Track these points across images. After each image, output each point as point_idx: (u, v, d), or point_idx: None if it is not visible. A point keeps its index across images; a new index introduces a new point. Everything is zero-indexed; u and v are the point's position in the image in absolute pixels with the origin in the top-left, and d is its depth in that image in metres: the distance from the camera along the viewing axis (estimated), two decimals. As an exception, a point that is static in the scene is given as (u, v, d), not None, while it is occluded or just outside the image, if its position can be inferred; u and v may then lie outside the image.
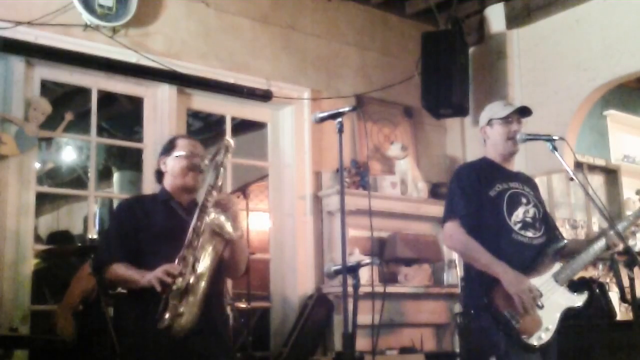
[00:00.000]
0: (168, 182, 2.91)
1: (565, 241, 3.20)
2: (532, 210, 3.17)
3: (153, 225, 2.79)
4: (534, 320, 2.93)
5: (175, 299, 2.54)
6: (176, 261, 2.58)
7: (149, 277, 2.57)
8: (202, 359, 2.69)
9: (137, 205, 2.91)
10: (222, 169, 2.74)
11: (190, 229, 2.63)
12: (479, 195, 3.11)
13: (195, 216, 2.66)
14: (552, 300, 2.99)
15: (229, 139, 2.83)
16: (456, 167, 3.41)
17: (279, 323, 4.88)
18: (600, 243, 3.11)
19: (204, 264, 2.61)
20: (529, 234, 3.12)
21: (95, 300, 3.55)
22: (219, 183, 2.72)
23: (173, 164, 2.88)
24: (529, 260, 3.06)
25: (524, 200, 3.18)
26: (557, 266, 3.09)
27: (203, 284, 2.59)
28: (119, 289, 3.61)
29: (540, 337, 2.93)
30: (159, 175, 2.95)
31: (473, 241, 3.03)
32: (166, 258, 2.62)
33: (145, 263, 2.70)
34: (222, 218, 2.64)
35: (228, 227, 2.63)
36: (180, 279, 2.55)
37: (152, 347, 2.62)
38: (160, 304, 2.54)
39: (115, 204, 6.85)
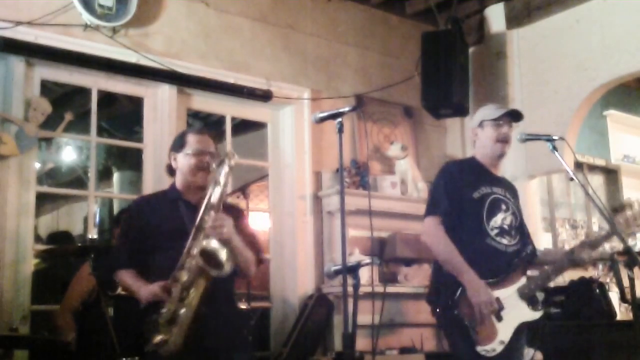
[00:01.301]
0: (179, 179, 2.92)
1: (537, 253, 3.25)
2: (509, 218, 3.19)
3: (159, 224, 2.81)
4: (491, 332, 2.96)
5: (163, 324, 2.58)
6: (170, 280, 2.61)
7: (142, 292, 2.67)
8: (221, 355, 2.74)
9: (147, 206, 2.94)
10: (221, 186, 2.69)
11: (185, 250, 2.63)
12: (462, 195, 3.13)
13: (190, 236, 2.64)
14: (511, 314, 3.02)
15: (231, 152, 2.77)
16: (443, 164, 3.42)
17: (279, 323, 4.88)
18: (568, 260, 3.13)
19: (193, 293, 2.60)
20: (504, 241, 3.14)
21: (95, 300, 3.55)
22: (215, 201, 2.68)
23: (183, 162, 2.88)
24: (501, 267, 3.09)
25: (503, 206, 3.19)
26: (522, 280, 3.12)
27: (190, 314, 2.60)
28: (119, 291, 3.65)
29: (494, 349, 2.96)
30: (171, 169, 2.96)
31: (450, 242, 3.06)
32: (170, 257, 2.65)
33: (151, 260, 2.76)
34: (216, 245, 2.56)
35: (223, 255, 2.56)
36: (169, 302, 2.59)
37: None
38: (151, 322, 2.60)
39: (115, 204, 6.89)
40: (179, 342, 2.57)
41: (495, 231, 3.13)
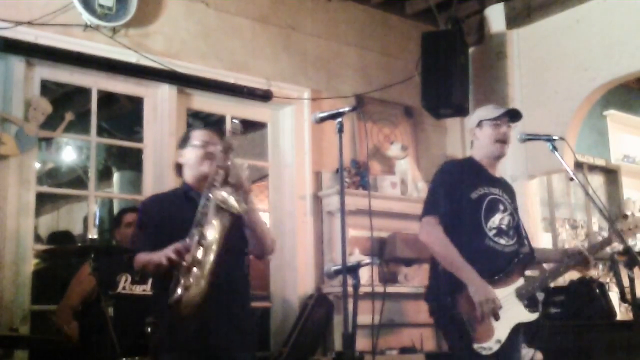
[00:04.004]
0: (187, 174, 2.95)
1: (534, 253, 3.24)
2: (507, 218, 3.19)
3: (175, 218, 2.82)
4: (488, 330, 2.97)
5: (184, 275, 2.58)
6: (187, 240, 2.62)
7: (160, 254, 2.63)
8: (223, 354, 2.73)
9: (161, 202, 2.97)
10: (231, 150, 2.76)
11: (199, 207, 2.67)
12: (460, 195, 3.13)
13: (202, 195, 2.69)
14: (508, 314, 3.02)
15: (235, 120, 2.85)
16: (442, 164, 3.42)
17: (279, 323, 4.88)
18: (567, 262, 3.14)
19: (210, 237, 2.62)
20: (502, 241, 3.14)
21: (95, 300, 3.55)
22: (228, 163, 2.73)
23: (189, 155, 2.93)
24: (499, 267, 3.09)
25: (501, 207, 3.19)
26: (520, 281, 3.12)
27: (211, 256, 2.61)
28: (119, 290, 3.64)
29: (491, 347, 2.96)
30: (179, 168, 3.00)
31: (448, 241, 3.05)
32: None
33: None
34: (225, 194, 2.63)
35: (232, 201, 2.62)
36: (189, 255, 2.59)
37: (175, 343, 2.67)
38: (172, 282, 2.59)
39: (115, 204, 6.88)
40: (202, 285, 2.57)
41: (493, 231, 3.13)
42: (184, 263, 2.57)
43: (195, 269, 2.57)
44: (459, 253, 3.03)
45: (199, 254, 2.59)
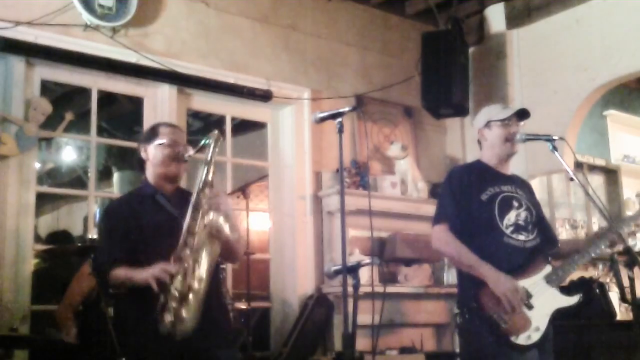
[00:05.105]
0: (150, 172, 2.87)
1: (558, 244, 3.23)
2: (523, 214, 3.17)
3: (143, 224, 2.76)
4: (523, 320, 2.93)
5: (175, 302, 2.52)
6: (171, 260, 2.57)
7: (146, 275, 2.55)
8: (203, 355, 2.69)
9: (124, 206, 2.88)
10: (212, 165, 2.70)
11: (184, 228, 2.60)
12: (470, 198, 3.12)
13: (188, 214, 2.62)
14: (542, 301, 2.99)
15: (216, 131, 2.76)
16: (449, 170, 3.42)
17: (279, 323, 4.88)
18: (599, 245, 3.11)
19: (203, 267, 2.59)
20: (521, 237, 3.11)
21: (95, 300, 3.54)
22: (209, 179, 2.68)
23: (155, 153, 2.84)
24: (521, 263, 3.06)
25: (515, 203, 3.17)
26: (548, 268, 3.09)
27: (203, 286, 2.58)
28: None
29: (530, 336, 2.93)
30: (140, 164, 2.91)
31: (460, 243, 3.04)
32: (159, 255, 2.60)
33: (139, 262, 2.68)
34: (221, 220, 2.60)
35: (226, 229, 2.60)
36: (178, 280, 2.53)
37: (153, 346, 2.62)
38: (158, 303, 2.53)
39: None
40: (197, 317, 2.55)
41: (511, 228, 3.10)
42: (173, 289, 2.53)
43: (189, 301, 2.54)
44: (477, 255, 3.00)
45: (193, 283, 2.55)
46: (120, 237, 2.76)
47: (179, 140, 2.86)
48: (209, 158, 2.70)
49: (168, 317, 2.52)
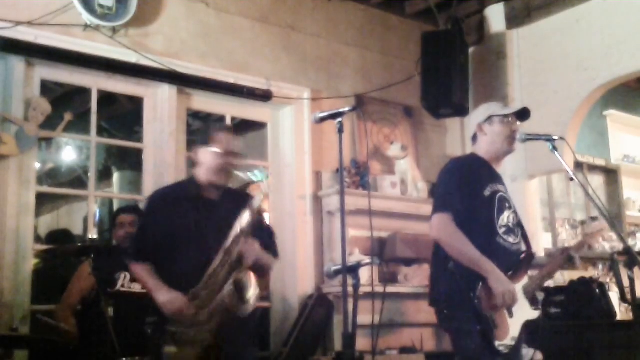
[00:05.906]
0: (201, 174, 2.90)
1: (533, 253, 3.21)
2: (512, 216, 3.16)
3: (177, 223, 2.80)
4: (506, 328, 2.95)
5: (180, 342, 2.64)
6: (190, 296, 2.66)
7: (161, 302, 2.67)
8: (230, 351, 2.75)
9: (164, 202, 2.92)
10: (254, 214, 2.70)
11: (210, 270, 2.65)
12: (474, 192, 3.06)
13: (217, 258, 2.66)
14: (519, 312, 3.01)
15: (257, 197, 2.72)
16: (448, 162, 3.36)
17: (279, 323, 4.88)
18: (562, 259, 3.14)
19: (213, 321, 2.66)
20: (511, 239, 3.11)
21: (95, 300, 3.54)
22: (248, 228, 2.68)
23: (208, 159, 2.87)
24: (509, 266, 3.05)
25: (507, 205, 3.17)
26: (525, 279, 3.12)
27: (208, 340, 2.66)
28: (118, 288, 3.66)
29: (507, 345, 2.95)
30: (192, 161, 2.96)
31: (463, 235, 2.96)
32: (190, 261, 2.70)
33: (170, 261, 2.76)
34: (248, 284, 2.63)
35: (250, 292, 2.64)
36: (190, 327, 2.63)
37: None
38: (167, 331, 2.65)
39: (115, 204, 6.88)
40: (211, 335, 2.64)
41: (503, 229, 3.09)
42: (182, 328, 2.63)
43: (190, 347, 2.63)
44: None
45: (199, 332, 2.64)
46: (151, 236, 2.82)
47: (233, 149, 2.87)
48: (253, 206, 2.67)
49: (169, 349, 2.65)
